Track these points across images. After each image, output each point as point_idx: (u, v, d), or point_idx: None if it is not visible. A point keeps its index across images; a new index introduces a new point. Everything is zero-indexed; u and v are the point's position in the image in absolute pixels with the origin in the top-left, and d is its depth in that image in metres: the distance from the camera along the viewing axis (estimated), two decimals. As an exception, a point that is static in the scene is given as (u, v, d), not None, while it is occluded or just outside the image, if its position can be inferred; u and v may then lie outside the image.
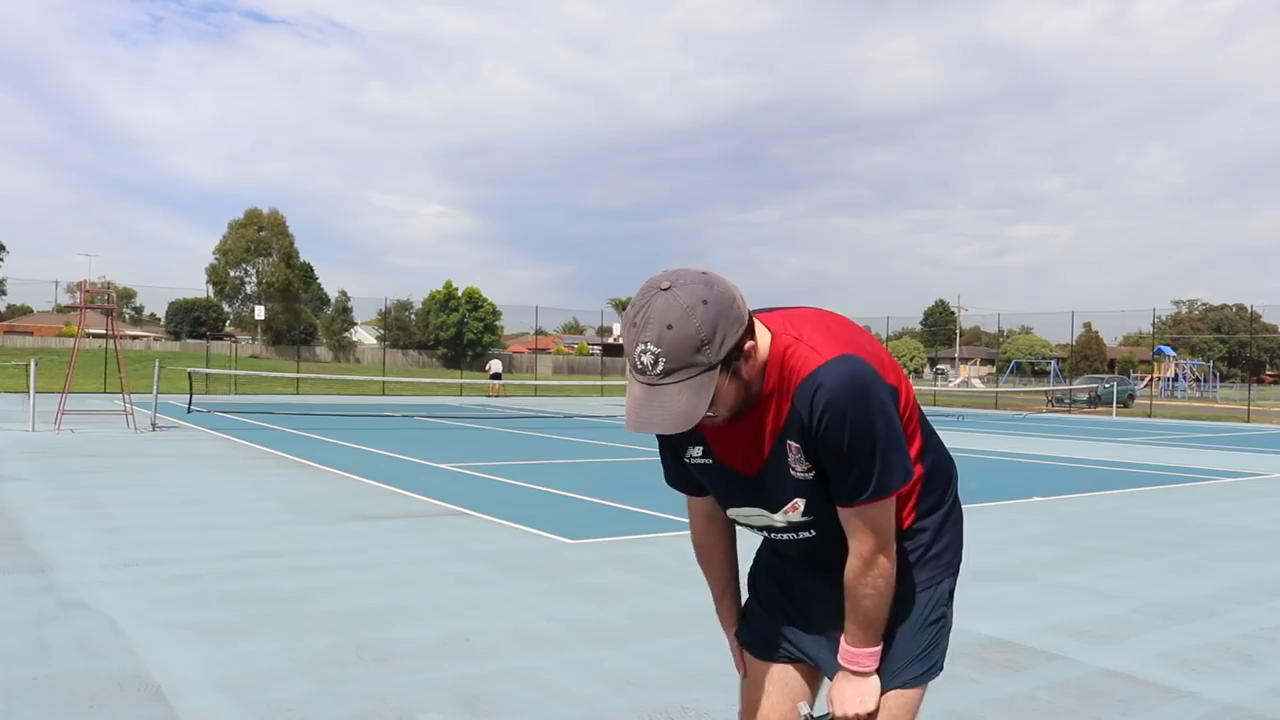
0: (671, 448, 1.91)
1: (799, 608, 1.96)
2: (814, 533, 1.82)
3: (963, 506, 1.96)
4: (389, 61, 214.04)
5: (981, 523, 8.17)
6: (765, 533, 1.90)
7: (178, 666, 3.98)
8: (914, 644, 1.86)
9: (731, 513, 1.90)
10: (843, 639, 1.82)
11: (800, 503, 1.77)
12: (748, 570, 2.09)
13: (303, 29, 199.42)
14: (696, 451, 1.84)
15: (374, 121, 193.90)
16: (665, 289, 1.56)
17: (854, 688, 1.82)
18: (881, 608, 1.77)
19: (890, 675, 1.85)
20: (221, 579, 5.54)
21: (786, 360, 1.68)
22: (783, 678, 1.96)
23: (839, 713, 1.82)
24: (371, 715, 3.53)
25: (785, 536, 1.86)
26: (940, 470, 1.88)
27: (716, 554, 2.04)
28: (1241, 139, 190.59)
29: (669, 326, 1.53)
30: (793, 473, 1.74)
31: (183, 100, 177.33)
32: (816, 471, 1.72)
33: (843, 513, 1.74)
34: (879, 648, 1.81)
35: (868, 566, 1.74)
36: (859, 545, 1.74)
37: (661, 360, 1.54)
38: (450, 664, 4.13)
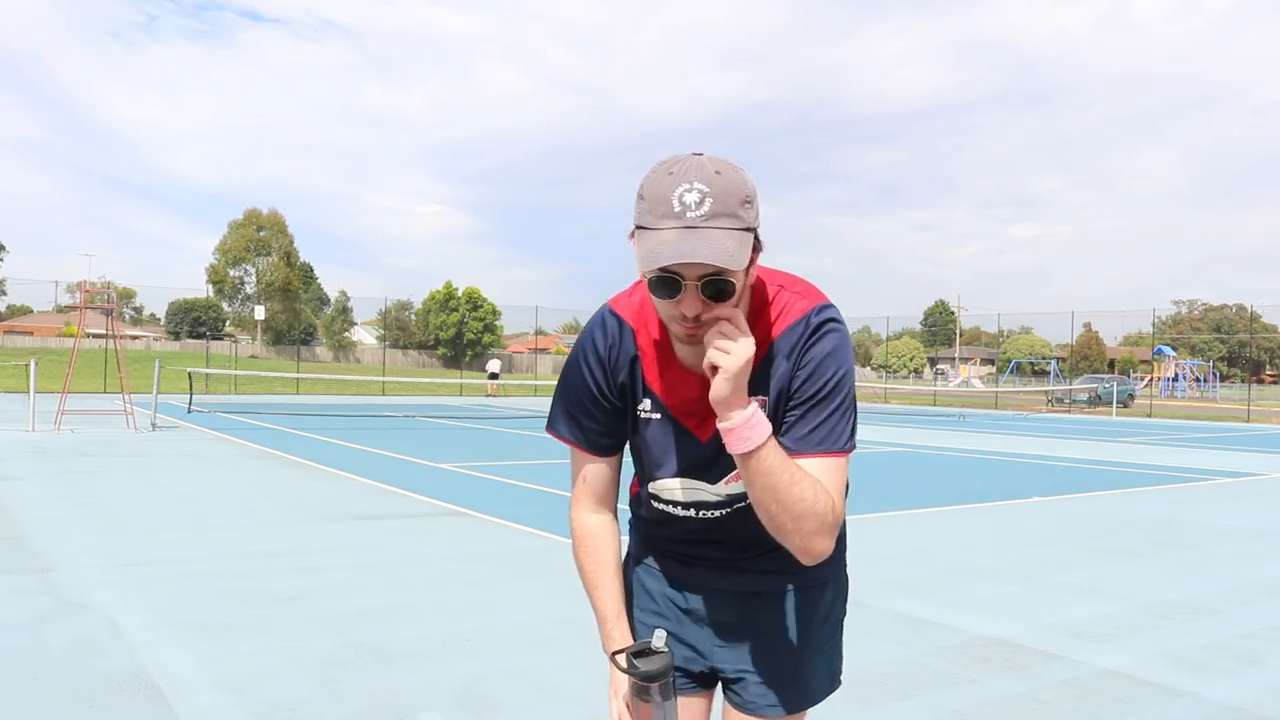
0: (608, 390, 1.68)
1: (687, 610, 1.76)
2: (749, 510, 1.61)
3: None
4: (385, 61, 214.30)
5: (981, 523, 8.16)
6: (685, 511, 1.70)
7: (178, 666, 3.98)
8: (830, 649, 1.76)
9: (663, 484, 1.70)
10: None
11: None
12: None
13: (299, 28, 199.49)
14: (646, 404, 1.67)
15: (371, 121, 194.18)
16: (699, 154, 1.47)
17: (740, 379, 1.46)
18: (792, 504, 1.48)
19: (809, 695, 1.73)
20: (221, 579, 5.54)
21: (773, 305, 1.59)
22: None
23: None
24: (371, 715, 3.53)
25: (716, 514, 1.68)
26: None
27: (609, 547, 1.73)
28: (1240, 137, 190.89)
29: (718, 172, 1.43)
30: None
31: (179, 99, 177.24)
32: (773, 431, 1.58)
33: (800, 464, 1.56)
34: (761, 441, 1.47)
35: (830, 513, 1.51)
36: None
37: (709, 201, 1.40)
38: (450, 664, 4.13)
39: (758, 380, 1.57)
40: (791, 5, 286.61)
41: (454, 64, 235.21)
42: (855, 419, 1.59)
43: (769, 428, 1.48)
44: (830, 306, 1.60)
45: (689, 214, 1.41)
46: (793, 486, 1.47)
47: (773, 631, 1.72)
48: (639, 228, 1.46)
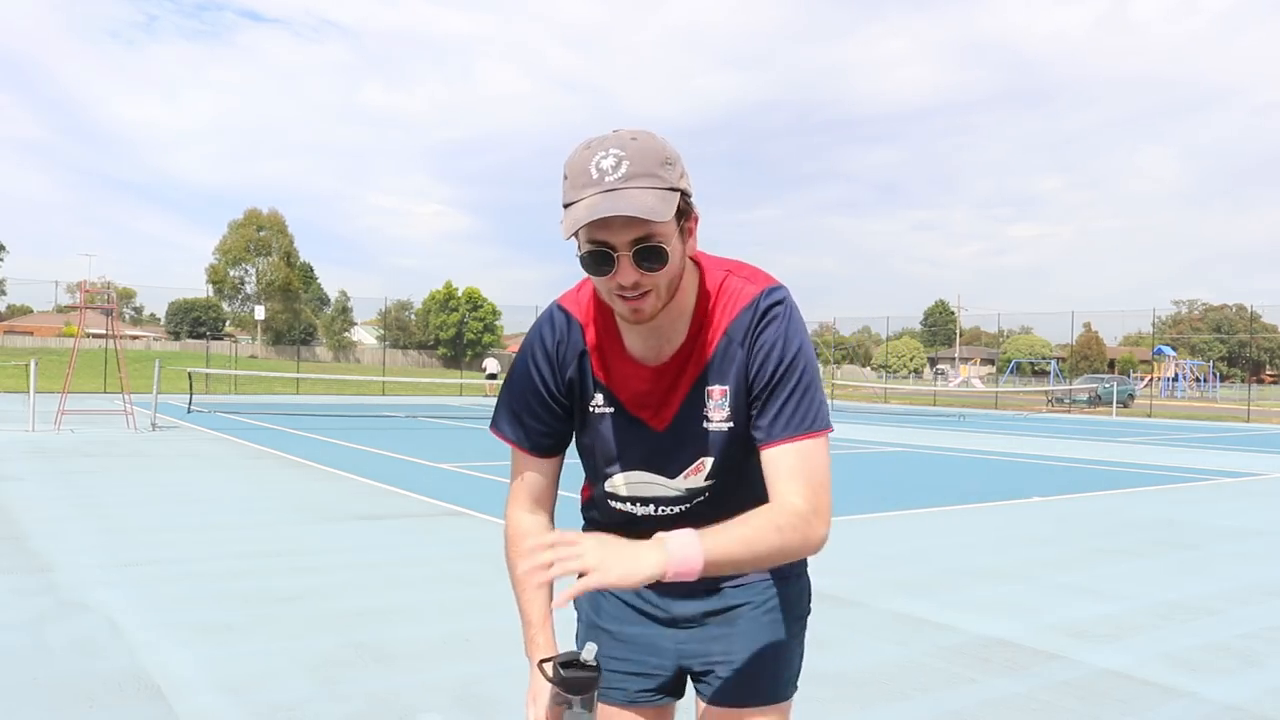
0: (555, 388, 1.64)
1: (646, 611, 1.71)
2: (708, 504, 1.61)
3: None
4: (385, 61, 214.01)
5: (981, 523, 8.15)
6: (644, 508, 1.66)
7: (178, 666, 3.98)
8: (794, 647, 1.72)
9: (619, 480, 1.66)
10: (694, 531, 1.39)
11: (706, 463, 1.59)
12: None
13: (298, 28, 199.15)
14: (598, 399, 1.63)
15: (371, 121, 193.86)
16: (617, 131, 1.46)
17: (631, 550, 1.34)
18: (768, 554, 1.44)
19: (778, 686, 1.68)
20: (221, 579, 5.54)
21: (722, 292, 1.57)
22: None
23: (576, 552, 1.33)
24: (371, 715, 3.53)
25: (676, 510, 1.64)
26: None
27: None
28: (1239, 137, 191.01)
29: (633, 138, 1.43)
30: (706, 424, 1.57)
31: (179, 99, 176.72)
32: (735, 421, 1.57)
33: (774, 453, 1.51)
34: (702, 568, 1.36)
35: (804, 521, 1.45)
36: (801, 493, 1.47)
37: (625, 163, 1.39)
38: (450, 664, 4.14)
39: (717, 370, 1.57)
40: (791, 5, 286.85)
41: (454, 64, 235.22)
42: (822, 396, 1.57)
43: (689, 530, 1.37)
44: (779, 289, 1.58)
45: (607, 178, 1.39)
46: (756, 543, 1.41)
47: (737, 623, 1.68)
48: (565, 207, 1.44)
